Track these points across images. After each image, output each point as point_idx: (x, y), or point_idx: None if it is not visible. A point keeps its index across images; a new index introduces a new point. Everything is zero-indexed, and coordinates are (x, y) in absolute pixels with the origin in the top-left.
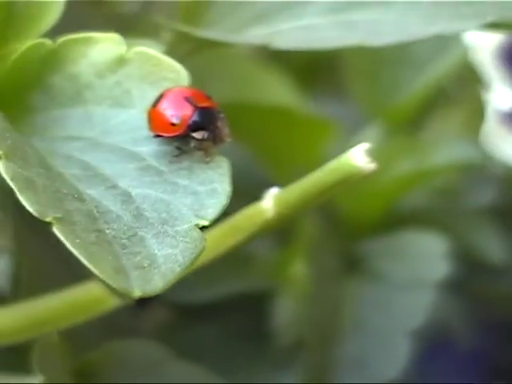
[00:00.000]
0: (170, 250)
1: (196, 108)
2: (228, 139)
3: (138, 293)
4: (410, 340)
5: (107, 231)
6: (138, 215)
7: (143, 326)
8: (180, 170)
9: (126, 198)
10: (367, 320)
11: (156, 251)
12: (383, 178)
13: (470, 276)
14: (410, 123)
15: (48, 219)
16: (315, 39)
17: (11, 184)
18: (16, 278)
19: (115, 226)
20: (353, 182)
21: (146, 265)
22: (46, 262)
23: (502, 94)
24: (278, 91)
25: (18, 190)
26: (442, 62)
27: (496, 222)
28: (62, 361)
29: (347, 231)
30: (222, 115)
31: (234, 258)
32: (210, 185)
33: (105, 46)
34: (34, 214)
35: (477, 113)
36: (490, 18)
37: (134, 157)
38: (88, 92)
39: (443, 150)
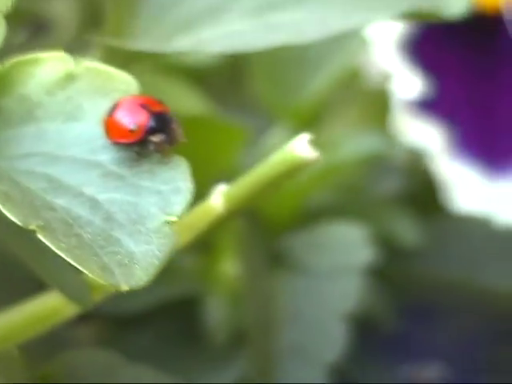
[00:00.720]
0: (146, 246)
1: (151, 113)
2: (182, 139)
3: (125, 287)
4: (344, 324)
5: (84, 235)
6: (109, 218)
7: (79, 338)
8: (141, 173)
9: (94, 203)
10: (301, 310)
11: (133, 249)
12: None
13: (387, 261)
14: (313, 122)
15: (31, 227)
16: (241, 43)
17: None
18: None
19: (89, 230)
20: (298, 171)
21: (126, 262)
22: None
23: (405, 84)
24: (186, 101)
25: (2, 206)
26: (340, 58)
27: (406, 208)
28: (23, 375)
29: (266, 228)
30: (174, 118)
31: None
32: (173, 183)
33: (52, 64)
34: (19, 223)
35: (374, 105)
36: (403, 8)
37: (95, 165)
38: (39, 110)
39: (350, 144)
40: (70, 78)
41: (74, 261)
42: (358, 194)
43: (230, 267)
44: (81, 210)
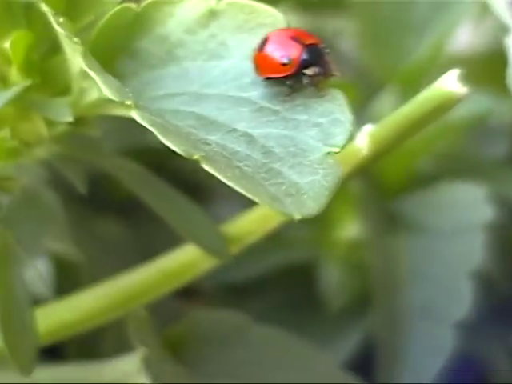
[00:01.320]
0: (312, 177)
1: (304, 46)
2: (337, 73)
3: (297, 215)
4: (470, 282)
5: (244, 168)
6: (267, 152)
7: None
8: (296, 107)
9: (249, 138)
10: (425, 269)
11: (298, 180)
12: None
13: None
14: (421, 84)
15: (195, 157)
16: None
17: (153, 130)
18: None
19: (249, 163)
20: (446, 109)
21: (293, 192)
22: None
23: None
24: None
25: (162, 135)
26: (445, 21)
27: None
28: (153, 334)
29: (382, 191)
30: (328, 50)
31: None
32: (331, 115)
33: (192, 2)
34: (182, 153)
35: (482, 65)
36: None
37: (245, 102)
38: (180, 50)
39: (460, 106)
40: (211, 15)
41: (244, 189)
42: (467, 155)
43: (346, 232)
44: (236, 146)
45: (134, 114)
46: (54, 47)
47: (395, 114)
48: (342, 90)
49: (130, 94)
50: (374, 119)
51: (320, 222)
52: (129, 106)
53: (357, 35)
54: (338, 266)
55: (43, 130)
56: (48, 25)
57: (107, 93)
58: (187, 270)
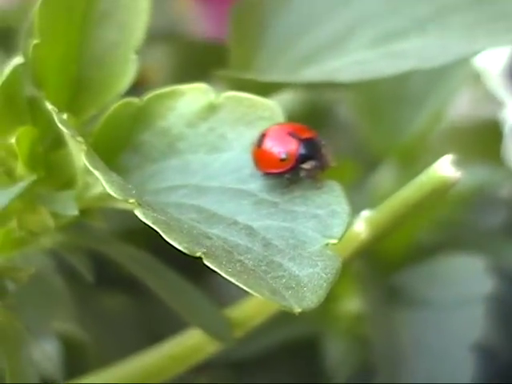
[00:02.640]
0: (311, 270)
1: (301, 141)
2: (333, 164)
3: (297, 309)
4: (473, 355)
5: (246, 261)
6: (267, 244)
7: None
8: (294, 199)
9: (250, 231)
10: (427, 342)
11: (297, 272)
12: None
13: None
14: (419, 158)
15: (198, 254)
16: (368, 71)
17: (156, 228)
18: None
19: (250, 257)
20: (441, 193)
21: (293, 285)
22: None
23: None
24: None
25: (164, 232)
26: (441, 94)
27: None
28: None
29: (383, 265)
30: (324, 142)
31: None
32: (328, 207)
33: (192, 96)
34: (184, 251)
35: (478, 136)
36: None
37: (245, 194)
38: (181, 143)
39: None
40: (211, 109)
41: (244, 285)
42: (466, 226)
43: (348, 306)
44: (237, 239)
45: (137, 212)
46: (57, 141)
47: (391, 198)
48: (340, 167)
49: (134, 192)
50: (373, 194)
51: None
52: (132, 204)
53: (354, 108)
54: (342, 339)
55: (49, 221)
56: (52, 120)
57: (110, 191)
58: (193, 354)
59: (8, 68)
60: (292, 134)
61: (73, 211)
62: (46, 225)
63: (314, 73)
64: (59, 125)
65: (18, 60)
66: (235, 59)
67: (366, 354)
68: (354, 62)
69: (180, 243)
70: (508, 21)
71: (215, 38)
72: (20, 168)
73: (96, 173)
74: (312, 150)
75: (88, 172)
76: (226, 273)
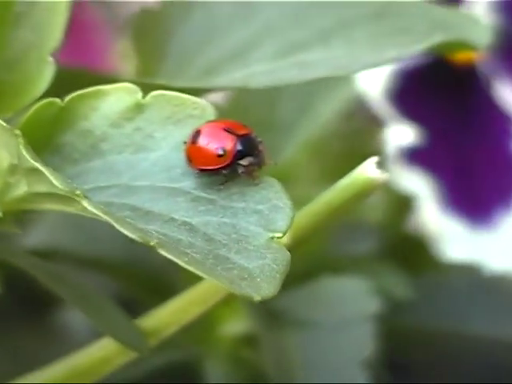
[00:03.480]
0: (261, 261)
1: (238, 137)
2: (270, 162)
3: (257, 297)
4: (365, 372)
5: (193, 254)
6: (209, 239)
7: None
8: (232, 195)
9: (189, 227)
10: (317, 363)
11: (246, 265)
12: None
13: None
14: (288, 182)
15: (152, 244)
16: (275, 79)
17: (108, 219)
18: None
19: (195, 251)
20: (366, 195)
21: (246, 276)
22: None
23: (398, 132)
24: None
25: (118, 223)
26: (311, 119)
27: (387, 264)
28: None
29: None
30: (260, 139)
31: None
32: (269, 202)
33: (116, 96)
34: (138, 240)
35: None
36: (435, 40)
37: (179, 192)
38: (104, 144)
39: None
40: (137, 108)
41: (205, 273)
42: (336, 252)
43: (229, 328)
44: (177, 234)
45: (86, 204)
46: None
47: (315, 202)
48: None
49: (75, 185)
50: None
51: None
52: (78, 196)
53: None
54: (224, 363)
55: None
56: None
57: (57, 183)
58: (102, 366)
59: None
60: (228, 130)
61: None
62: None
63: (218, 82)
64: None
65: None
66: (139, 70)
67: (249, 378)
68: (259, 73)
69: (133, 233)
70: (410, 34)
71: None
72: None
73: (39, 166)
74: (249, 147)
75: (11, 171)
76: (183, 262)
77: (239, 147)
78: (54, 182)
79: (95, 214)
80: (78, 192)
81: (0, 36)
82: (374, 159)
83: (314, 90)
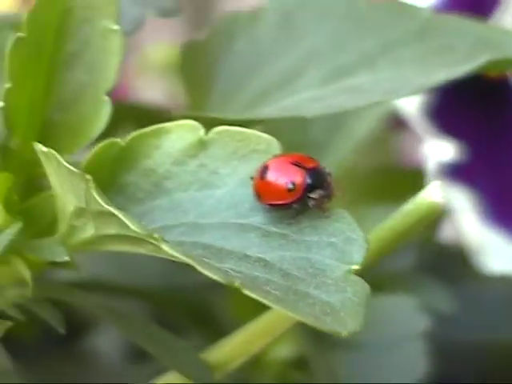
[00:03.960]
0: (341, 295)
1: (307, 170)
2: (338, 193)
3: (345, 333)
4: None
5: (273, 291)
6: (285, 275)
7: None
8: (303, 229)
9: (264, 263)
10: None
11: (328, 299)
12: None
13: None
14: None
15: (236, 284)
16: (326, 106)
17: (189, 261)
18: None
19: (274, 287)
20: (430, 220)
21: (329, 311)
22: None
23: (438, 148)
24: None
25: (199, 265)
26: (344, 140)
27: (424, 279)
28: None
29: None
30: (328, 171)
31: None
32: (342, 235)
33: (178, 133)
34: (222, 281)
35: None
36: (483, 59)
37: (249, 228)
38: (168, 182)
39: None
40: (200, 145)
41: (291, 311)
42: (381, 268)
43: (277, 352)
44: (253, 271)
45: (165, 247)
46: (30, 188)
47: (377, 228)
48: None
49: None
50: None
51: None
52: (156, 239)
53: None
54: None
55: (25, 272)
56: (24, 166)
57: (133, 227)
58: None
59: None
60: (296, 164)
61: (62, 257)
62: (18, 277)
63: (267, 111)
64: (65, 164)
65: None
66: (187, 104)
67: None
68: (308, 99)
69: (216, 274)
70: (453, 53)
71: None
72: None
73: (113, 210)
74: (318, 180)
75: (77, 215)
76: (269, 300)
77: (309, 180)
78: (131, 226)
79: (172, 256)
80: (155, 235)
81: (53, 77)
82: (436, 183)
83: None
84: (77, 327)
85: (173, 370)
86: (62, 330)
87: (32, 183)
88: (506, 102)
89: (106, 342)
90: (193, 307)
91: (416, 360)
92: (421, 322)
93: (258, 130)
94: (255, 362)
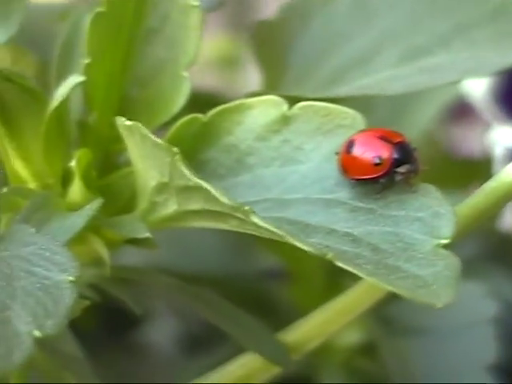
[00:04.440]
0: (432, 269)
1: (394, 145)
2: (424, 168)
3: (439, 305)
4: (490, 374)
5: (363, 265)
6: (374, 249)
7: None
8: (390, 204)
9: (352, 238)
10: (439, 369)
11: (419, 272)
12: None
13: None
14: None
15: (329, 256)
16: (400, 86)
17: (280, 233)
18: None
19: (362, 262)
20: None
21: (421, 284)
22: None
23: (504, 132)
24: None
25: (290, 235)
26: (406, 128)
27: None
28: None
29: None
30: (414, 146)
31: None
32: (429, 209)
33: (261, 109)
34: (315, 252)
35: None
36: None
37: (335, 203)
38: (250, 158)
39: None
40: (284, 121)
41: (387, 284)
42: None
43: (344, 339)
44: (341, 246)
45: (256, 219)
46: (107, 165)
47: (461, 205)
48: None
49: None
50: None
51: None
52: (246, 212)
53: None
54: (339, 373)
55: (102, 250)
56: (102, 143)
57: (224, 200)
58: (251, 378)
59: (64, 89)
60: (383, 139)
61: (142, 233)
62: (94, 256)
63: (344, 90)
64: (150, 136)
65: (74, 80)
66: (263, 83)
67: None
68: (384, 79)
69: (308, 246)
70: None
71: None
72: (77, 194)
73: (204, 184)
74: (405, 154)
75: (159, 191)
76: (364, 272)
77: (396, 155)
78: (221, 199)
79: (261, 229)
80: (246, 208)
81: (132, 52)
82: None
83: (409, 94)
84: (131, 319)
85: (250, 351)
86: (139, 311)
87: (109, 160)
88: None
89: (161, 334)
90: (252, 295)
91: (485, 345)
92: (490, 308)
93: None
94: (322, 348)
